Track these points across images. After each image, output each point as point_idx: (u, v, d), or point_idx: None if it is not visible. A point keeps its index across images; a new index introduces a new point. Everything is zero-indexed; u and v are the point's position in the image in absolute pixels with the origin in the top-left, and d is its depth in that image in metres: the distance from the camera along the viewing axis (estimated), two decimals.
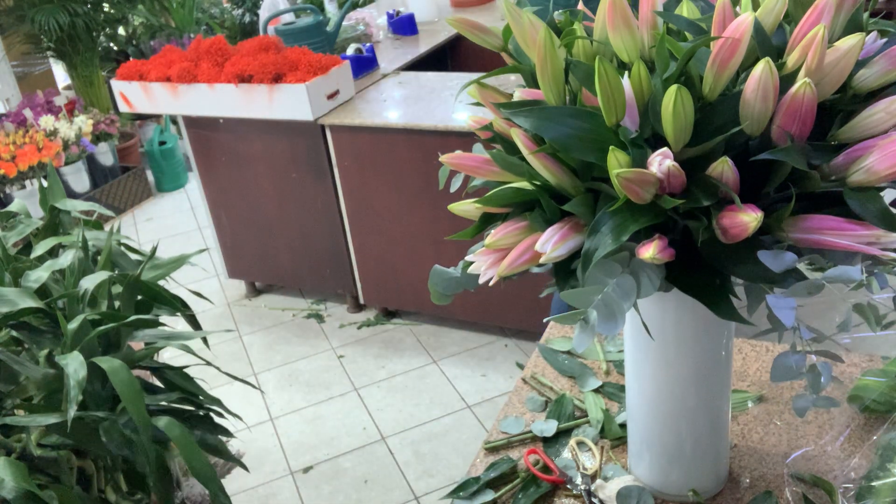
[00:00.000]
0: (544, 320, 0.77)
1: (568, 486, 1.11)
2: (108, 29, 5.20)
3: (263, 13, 3.44)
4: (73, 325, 1.19)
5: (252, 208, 3.13)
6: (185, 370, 1.41)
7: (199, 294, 1.63)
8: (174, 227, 4.33)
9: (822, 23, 0.69)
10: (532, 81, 0.84)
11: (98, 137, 4.43)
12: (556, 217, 0.77)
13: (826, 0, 0.71)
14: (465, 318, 2.95)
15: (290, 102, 2.67)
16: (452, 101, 2.65)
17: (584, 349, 1.00)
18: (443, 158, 0.84)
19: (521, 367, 2.78)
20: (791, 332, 0.71)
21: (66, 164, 4.17)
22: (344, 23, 3.34)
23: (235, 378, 1.48)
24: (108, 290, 1.33)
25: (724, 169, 0.68)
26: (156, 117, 5.13)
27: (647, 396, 1.00)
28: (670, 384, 0.97)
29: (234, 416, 1.44)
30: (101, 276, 1.33)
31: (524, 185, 0.80)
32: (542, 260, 0.74)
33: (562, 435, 1.21)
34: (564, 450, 1.18)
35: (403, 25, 3.58)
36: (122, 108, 3.07)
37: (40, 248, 1.43)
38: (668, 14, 0.81)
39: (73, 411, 1.10)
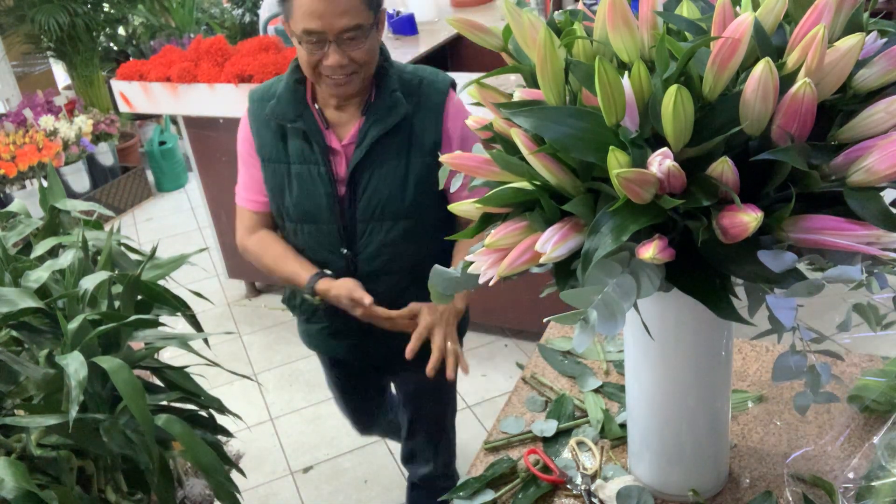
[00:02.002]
0: (544, 320, 0.77)
1: (568, 486, 1.11)
2: (108, 29, 5.19)
3: (263, 13, 3.43)
4: (73, 325, 1.19)
5: None
6: (185, 370, 1.41)
7: (199, 294, 1.63)
8: (174, 227, 4.33)
9: (822, 23, 0.69)
10: (532, 81, 0.84)
11: (98, 137, 4.43)
12: (556, 217, 0.77)
13: (826, 0, 0.71)
14: None
15: None
16: None
17: (584, 349, 1.00)
18: (443, 158, 0.84)
19: (521, 367, 2.77)
20: (791, 333, 0.71)
21: (66, 164, 4.17)
22: None
23: (237, 374, 1.48)
24: (108, 290, 1.33)
25: (724, 169, 0.68)
26: (156, 117, 5.13)
27: (647, 396, 1.00)
28: (670, 384, 0.97)
29: (234, 415, 1.44)
30: (101, 276, 1.33)
31: (524, 185, 0.80)
32: (542, 260, 0.74)
33: (562, 435, 1.21)
34: (564, 450, 1.18)
35: (403, 25, 3.58)
36: (122, 108, 3.07)
37: (40, 248, 1.43)
38: (668, 14, 0.81)
39: (74, 412, 1.10)
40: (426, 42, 3.46)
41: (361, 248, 1.51)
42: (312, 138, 1.46)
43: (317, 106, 1.49)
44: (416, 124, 1.46)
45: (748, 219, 0.66)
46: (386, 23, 1.50)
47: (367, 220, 1.49)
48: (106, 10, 5.01)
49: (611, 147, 0.68)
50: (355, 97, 1.46)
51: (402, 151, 1.46)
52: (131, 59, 3.77)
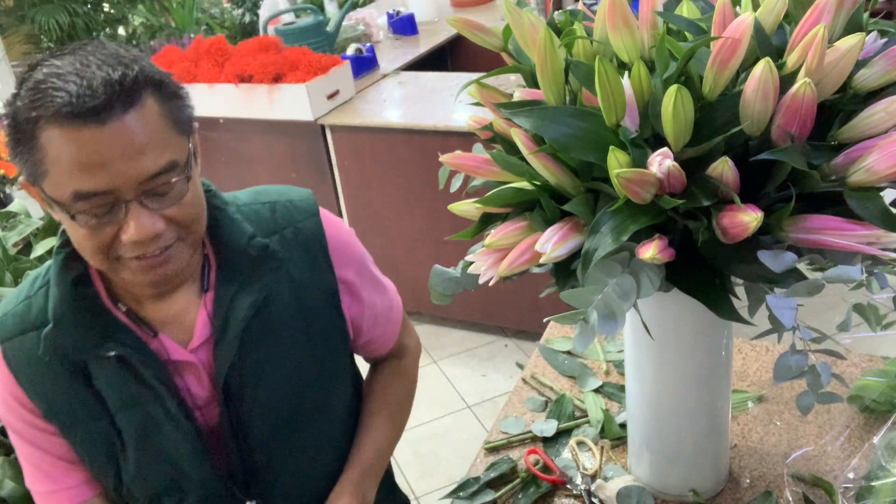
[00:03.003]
0: (544, 320, 0.78)
1: (568, 486, 1.11)
2: (108, 29, 5.19)
3: (263, 13, 3.43)
4: None
5: None
6: None
7: None
8: None
9: (822, 23, 0.69)
10: (532, 81, 0.84)
11: None
12: (556, 217, 0.77)
13: (826, 0, 0.71)
14: (465, 318, 2.95)
15: (290, 102, 2.66)
16: (452, 101, 2.65)
17: (584, 349, 1.00)
18: (443, 158, 0.84)
19: (521, 367, 2.77)
20: (791, 333, 0.71)
21: None
22: (344, 23, 3.34)
23: None
24: None
25: (724, 169, 0.68)
26: None
27: (647, 396, 1.00)
28: (670, 384, 0.97)
29: None
30: None
31: (524, 185, 0.80)
32: (542, 260, 0.74)
33: (562, 435, 1.21)
34: (564, 450, 1.18)
35: (403, 25, 3.58)
36: None
37: (40, 248, 1.43)
38: (668, 14, 0.81)
39: None
40: (426, 42, 3.46)
41: (272, 489, 0.97)
42: (137, 363, 0.87)
43: (122, 307, 0.88)
44: (295, 271, 0.94)
45: (748, 219, 0.66)
46: (199, 148, 0.90)
47: (270, 444, 0.95)
48: (106, 10, 5.01)
49: (611, 147, 0.68)
50: (184, 270, 0.87)
51: (291, 316, 0.94)
52: None
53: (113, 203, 0.76)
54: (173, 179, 0.79)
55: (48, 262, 0.91)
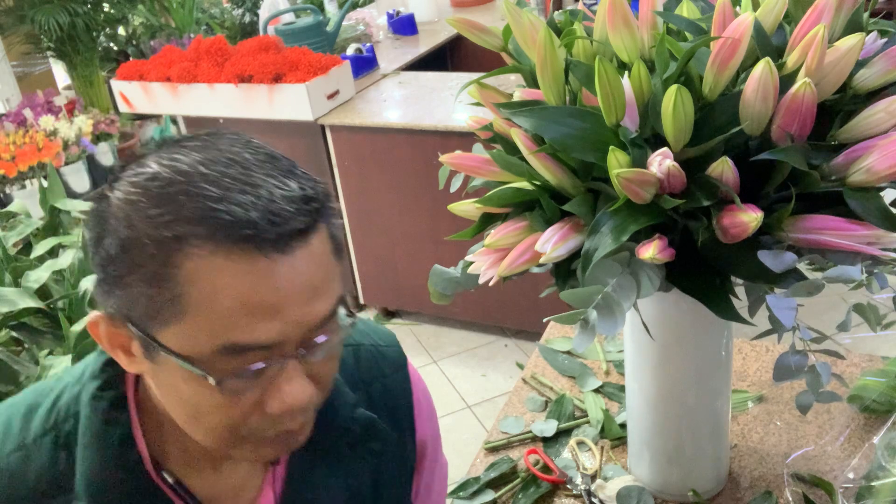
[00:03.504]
0: (544, 320, 0.77)
1: (568, 486, 1.11)
2: (108, 29, 5.19)
3: (263, 13, 3.43)
4: (76, 327, 1.20)
5: None
6: None
7: None
8: None
9: (822, 23, 0.69)
10: (532, 81, 0.84)
11: (98, 137, 4.43)
12: (556, 217, 0.77)
13: (826, 0, 0.71)
14: (465, 318, 2.95)
15: (290, 102, 2.66)
16: (452, 101, 2.65)
17: (584, 349, 1.00)
18: (443, 158, 0.84)
19: (521, 367, 2.77)
20: (791, 333, 0.71)
21: (66, 164, 4.17)
22: (344, 23, 3.34)
23: None
24: None
25: (724, 169, 0.68)
26: (156, 117, 5.12)
27: (647, 396, 1.00)
28: (670, 384, 0.97)
29: None
30: None
31: (524, 185, 0.80)
32: (542, 260, 0.74)
33: (562, 435, 1.21)
34: (564, 450, 1.18)
35: (403, 25, 3.58)
36: (122, 108, 3.07)
37: (40, 248, 1.43)
38: (668, 14, 0.81)
39: None
40: (426, 42, 3.46)
41: None
42: None
43: (168, 477, 0.67)
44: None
45: (748, 219, 0.66)
46: None
47: None
48: (106, 10, 5.01)
49: (611, 147, 0.68)
50: None
51: (362, 498, 0.77)
52: (131, 59, 3.77)
53: (269, 360, 0.56)
54: (333, 327, 0.60)
55: (48, 388, 0.66)
